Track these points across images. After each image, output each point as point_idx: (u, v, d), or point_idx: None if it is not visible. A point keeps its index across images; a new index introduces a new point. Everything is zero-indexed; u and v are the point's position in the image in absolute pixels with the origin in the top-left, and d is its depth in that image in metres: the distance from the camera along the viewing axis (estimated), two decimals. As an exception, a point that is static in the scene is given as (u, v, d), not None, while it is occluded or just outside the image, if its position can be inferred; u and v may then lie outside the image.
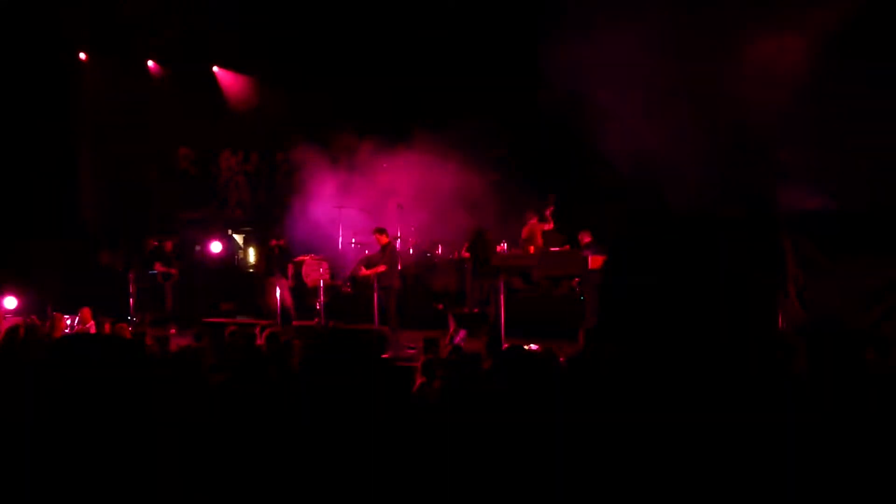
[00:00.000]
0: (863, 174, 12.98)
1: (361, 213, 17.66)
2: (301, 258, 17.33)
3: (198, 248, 19.31)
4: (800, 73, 12.69)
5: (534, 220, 16.54)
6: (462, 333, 13.26)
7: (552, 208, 16.67)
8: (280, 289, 15.51)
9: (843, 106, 13.01)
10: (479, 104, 16.69)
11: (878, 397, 4.61)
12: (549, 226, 16.62)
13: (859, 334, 8.37)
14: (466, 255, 15.55)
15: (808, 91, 12.85)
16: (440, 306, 15.73)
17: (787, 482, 4.00)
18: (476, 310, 14.08)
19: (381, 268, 14.29)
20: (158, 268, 16.74)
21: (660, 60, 13.97)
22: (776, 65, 12.75)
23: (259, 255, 18.74)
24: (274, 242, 16.86)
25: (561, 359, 8.50)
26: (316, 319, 14.89)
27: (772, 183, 13.26)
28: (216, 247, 18.78)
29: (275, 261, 16.39)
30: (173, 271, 16.87)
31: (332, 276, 17.35)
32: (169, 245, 17.15)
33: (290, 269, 16.80)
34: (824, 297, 11.29)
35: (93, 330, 12.36)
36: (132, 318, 15.47)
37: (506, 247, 16.23)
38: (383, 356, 12.29)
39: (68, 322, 13.02)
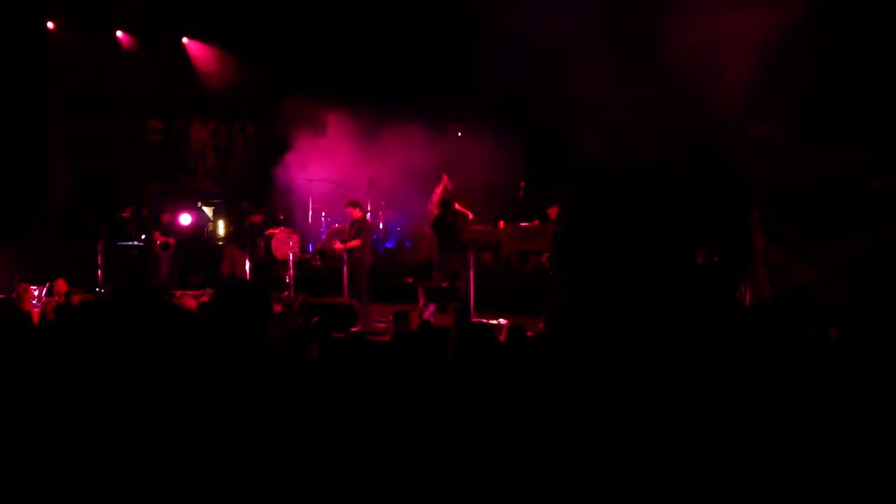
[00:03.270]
0: (831, 147, 13.13)
1: (332, 186, 17.67)
2: (271, 231, 17.33)
3: (167, 219, 19.24)
4: (771, 43, 12.77)
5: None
6: (431, 307, 13.33)
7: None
8: (237, 259, 15.83)
9: (813, 78, 13.14)
10: (453, 77, 16.72)
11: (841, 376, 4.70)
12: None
13: (827, 310, 8.51)
14: (428, 230, 15.52)
15: (779, 63, 12.96)
16: (410, 280, 15.78)
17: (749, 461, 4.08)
18: (445, 284, 14.12)
19: (356, 242, 14.26)
20: (158, 237, 16.82)
21: (628, 28, 14.03)
22: (747, 34, 12.82)
23: (230, 225, 18.68)
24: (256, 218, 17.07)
25: (529, 333, 8.60)
26: (285, 293, 14.91)
27: (741, 157, 13.38)
28: (186, 219, 18.72)
29: (245, 233, 16.58)
30: (172, 241, 16.96)
31: (302, 250, 17.37)
32: (166, 217, 17.21)
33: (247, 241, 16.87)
34: (793, 272, 11.43)
35: (61, 301, 12.30)
36: (100, 289, 15.40)
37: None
38: (353, 329, 12.36)
39: (36, 293, 12.96)
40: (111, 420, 4.00)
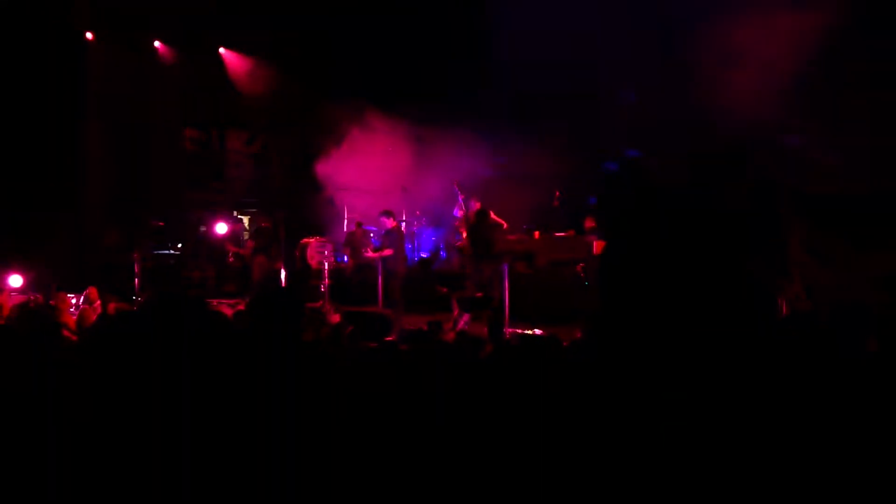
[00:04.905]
0: (872, 158, 12.96)
1: (368, 195, 17.70)
2: (306, 240, 17.37)
3: (203, 228, 19.35)
4: (812, 52, 12.64)
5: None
6: (466, 317, 13.28)
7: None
8: (263, 267, 15.98)
9: (855, 88, 12.97)
10: (487, 83, 16.72)
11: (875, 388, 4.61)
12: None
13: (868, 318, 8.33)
14: (464, 241, 15.49)
15: (815, 68, 12.82)
16: (443, 290, 15.73)
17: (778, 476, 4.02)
18: (479, 294, 14.07)
19: (388, 251, 14.27)
20: (230, 248, 17.07)
21: (660, 29, 13.96)
22: (789, 43, 12.69)
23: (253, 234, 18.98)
24: (266, 224, 17.30)
25: (564, 344, 8.52)
26: (320, 302, 14.92)
27: (779, 165, 13.25)
28: (221, 228, 18.82)
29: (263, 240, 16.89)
30: (244, 252, 17.20)
31: (337, 259, 17.42)
32: (238, 227, 17.56)
33: (274, 250, 17.12)
34: (830, 283, 11.28)
35: (99, 310, 12.36)
36: (137, 297, 15.48)
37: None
38: (387, 339, 12.32)
39: (73, 301, 13.02)
40: (155, 424, 4.00)
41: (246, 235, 20.17)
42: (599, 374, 4.74)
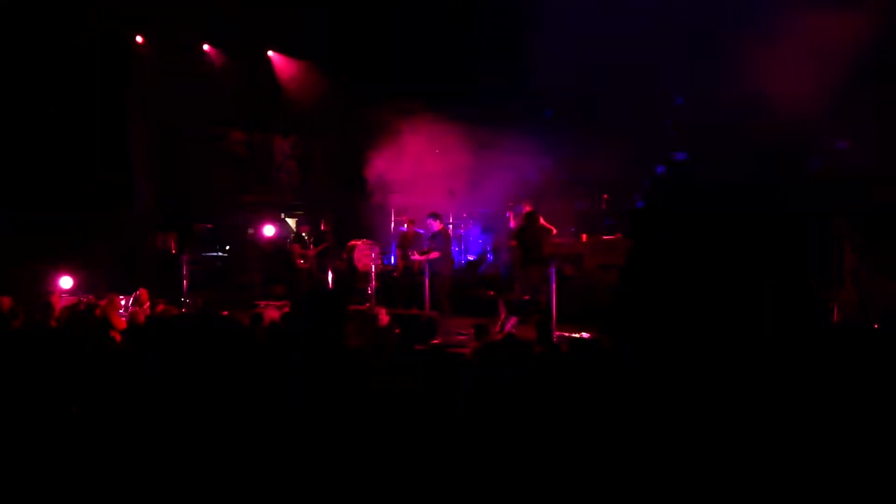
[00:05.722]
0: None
1: (414, 198, 17.69)
2: (353, 243, 17.40)
3: (250, 231, 19.42)
4: (859, 54, 12.44)
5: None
6: (513, 320, 13.21)
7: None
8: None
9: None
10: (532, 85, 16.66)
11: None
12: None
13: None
14: (513, 242, 15.43)
15: (868, 73, 12.61)
16: (491, 293, 15.68)
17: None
18: (526, 297, 14.00)
19: (435, 254, 14.25)
20: (298, 250, 17.24)
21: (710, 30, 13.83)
22: (835, 45, 12.51)
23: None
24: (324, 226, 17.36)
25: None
26: (367, 304, 14.93)
27: (831, 170, 13.05)
28: (269, 230, 18.88)
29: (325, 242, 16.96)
30: (311, 253, 17.32)
31: (384, 261, 17.44)
32: (306, 229, 17.66)
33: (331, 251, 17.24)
34: (884, 290, 11.09)
35: (148, 312, 12.45)
36: (185, 300, 15.58)
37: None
38: (433, 341, 12.30)
39: (122, 303, 13.13)
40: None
41: (293, 238, 20.26)
42: (643, 378, 4.68)
